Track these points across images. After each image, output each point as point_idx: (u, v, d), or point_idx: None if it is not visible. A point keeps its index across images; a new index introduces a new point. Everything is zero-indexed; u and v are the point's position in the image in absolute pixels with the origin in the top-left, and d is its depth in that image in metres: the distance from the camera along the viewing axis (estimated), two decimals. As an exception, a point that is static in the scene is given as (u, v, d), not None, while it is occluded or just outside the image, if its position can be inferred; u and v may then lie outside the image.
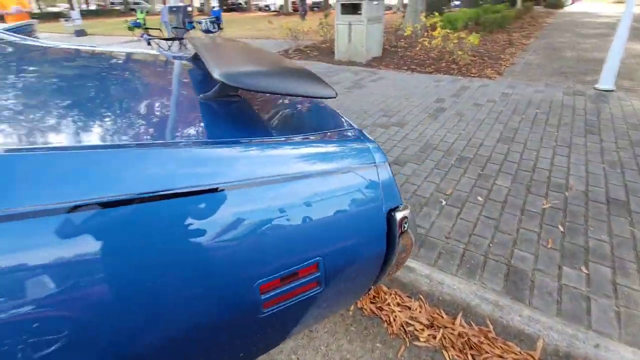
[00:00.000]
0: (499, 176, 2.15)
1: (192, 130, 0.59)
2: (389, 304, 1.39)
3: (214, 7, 14.47)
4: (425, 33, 6.73)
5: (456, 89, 4.07)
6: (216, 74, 0.57)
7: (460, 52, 5.24)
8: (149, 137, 0.55)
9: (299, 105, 0.80)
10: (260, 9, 28.50)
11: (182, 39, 6.19)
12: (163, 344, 0.46)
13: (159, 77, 0.96)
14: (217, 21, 8.65)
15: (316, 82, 0.62)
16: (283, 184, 0.52)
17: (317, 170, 0.56)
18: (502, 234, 1.65)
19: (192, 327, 0.48)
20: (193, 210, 0.45)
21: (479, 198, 1.93)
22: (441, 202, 1.91)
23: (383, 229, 0.63)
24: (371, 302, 1.41)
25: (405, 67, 5.29)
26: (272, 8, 26.54)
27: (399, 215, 0.63)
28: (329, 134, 0.65)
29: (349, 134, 0.66)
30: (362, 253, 0.63)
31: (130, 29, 11.00)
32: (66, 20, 13.95)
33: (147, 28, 8.10)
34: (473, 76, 4.66)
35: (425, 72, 4.98)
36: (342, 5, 5.67)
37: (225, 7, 30.17)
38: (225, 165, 0.49)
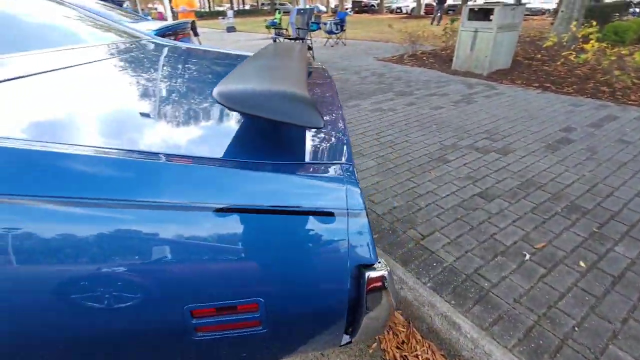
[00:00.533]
0: (622, 241, 1.64)
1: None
2: (416, 356, 1.22)
3: (343, 9, 15.07)
4: (574, 45, 5.57)
5: (598, 118, 3.26)
6: (214, 92, 0.57)
7: (618, 73, 4.16)
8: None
9: (293, 129, 0.71)
10: (391, 11, 28.34)
11: (304, 39, 6.62)
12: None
13: None
14: (341, 23, 8.96)
15: (307, 109, 0.56)
16: (226, 213, 0.49)
17: (270, 205, 0.51)
18: (600, 320, 1.25)
19: (122, 331, 0.50)
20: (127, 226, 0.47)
21: (582, 264, 1.51)
22: (524, 255, 1.56)
23: (344, 286, 0.54)
24: (397, 347, 1.26)
25: (537, 84, 4.50)
26: (404, 10, 26.04)
27: (370, 274, 0.53)
28: (306, 165, 0.58)
29: (332, 170, 0.58)
30: (318, 306, 0.55)
31: (267, 27, 12.41)
32: (222, 18, 16.58)
33: (280, 28, 8.95)
34: (631, 104, 3.65)
35: (561, 93, 4.14)
36: (471, 10, 5.15)
37: (357, 9, 31.07)
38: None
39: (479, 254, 1.58)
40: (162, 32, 3.68)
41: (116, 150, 0.52)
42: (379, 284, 0.54)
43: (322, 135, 0.72)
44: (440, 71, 5.52)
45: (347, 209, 0.52)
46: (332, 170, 0.57)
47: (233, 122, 0.72)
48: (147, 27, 3.60)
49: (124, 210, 0.47)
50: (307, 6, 7.08)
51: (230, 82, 0.61)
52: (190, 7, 7.66)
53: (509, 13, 4.93)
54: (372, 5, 30.30)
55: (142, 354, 0.54)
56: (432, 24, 14.56)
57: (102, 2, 4.44)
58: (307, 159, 0.61)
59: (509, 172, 2.30)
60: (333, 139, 0.71)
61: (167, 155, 0.54)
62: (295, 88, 0.59)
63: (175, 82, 0.96)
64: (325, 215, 0.52)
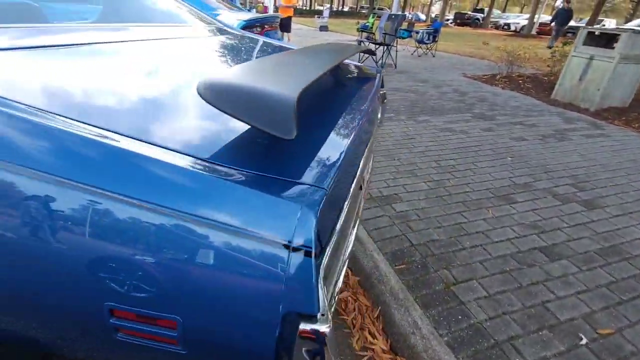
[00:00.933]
0: None
1: None
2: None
3: (442, 19, 14.30)
4: None
5: None
6: (198, 83, 0.52)
7: None
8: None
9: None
10: (497, 27, 26.14)
11: (389, 45, 6.44)
12: None
13: None
14: (434, 33, 8.52)
15: (280, 113, 0.48)
16: (156, 214, 0.44)
17: (195, 214, 0.44)
18: None
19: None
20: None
21: (661, 371, 1.16)
22: (580, 338, 1.26)
23: (271, 331, 0.45)
24: (389, 400, 1.11)
25: (659, 132, 3.69)
26: (513, 27, 23.79)
27: (304, 326, 0.43)
28: (259, 178, 0.49)
29: (291, 191, 0.48)
30: (241, 345, 0.47)
31: (358, 30, 12.42)
32: (318, 17, 17.13)
33: (370, 32, 8.88)
34: None
35: (693, 147, 3.32)
36: (589, 33, 4.43)
37: (459, 21, 29.35)
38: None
39: (520, 320, 1.32)
40: (250, 23, 3.89)
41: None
42: (314, 341, 0.44)
43: (300, 148, 0.61)
44: (535, 98, 4.88)
45: (290, 242, 0.43)
46: (292, 191, 0.48)
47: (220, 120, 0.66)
48: (238, 17, 3.83)
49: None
50: (405, 13, 6.86)
51: (221, 74, 0.56)
52: (289, 2, 8.03)
53: (639, 42, 4.12)
54: (477, 19, 28.34)
55: (67, 340, 0.53)
56: (549, 46, 12.94)
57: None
58: (270, 171, 0.52)
59: (590, 230, 1.90)
60: (318, 155, 0.60)
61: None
62: (282, 88, 0.52)
63: (203, 69, 0.96)
64: (261, 242, 0.44)
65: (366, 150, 0.95)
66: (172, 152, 0.50)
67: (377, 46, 6.52)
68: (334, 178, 0.54)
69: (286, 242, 0.43)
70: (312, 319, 0.44)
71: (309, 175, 0.52)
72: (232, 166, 0.50)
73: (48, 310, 0.52)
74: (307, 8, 47.64)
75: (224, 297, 0.45)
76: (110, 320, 0.47)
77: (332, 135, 0.71)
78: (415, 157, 2.69)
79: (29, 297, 0.51)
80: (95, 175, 0.45)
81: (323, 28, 16.33)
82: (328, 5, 36.23)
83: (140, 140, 0.50)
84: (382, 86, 1.77)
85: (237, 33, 1.79)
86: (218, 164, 0.50)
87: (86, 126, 0.50)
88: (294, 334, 0.44)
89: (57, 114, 0.50)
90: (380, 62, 6.42)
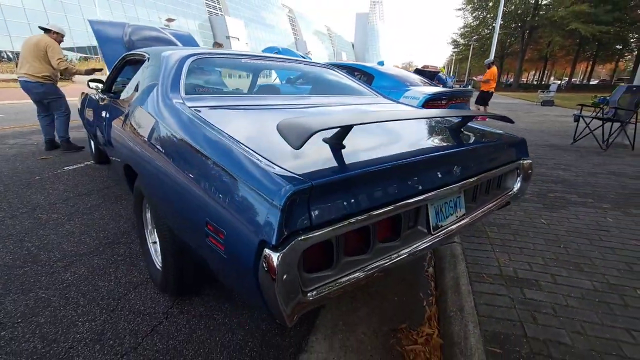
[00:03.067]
0: None
1: None
2: None
3: None
4: None
5: None
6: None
7: None
8: None
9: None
10: None
11: (623, 122, 5.12)
12: None
13: None
14: None
15: (298, 133, 0.80)
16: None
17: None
18: None
19: None
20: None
21: None
22: None
23: (254, 246, 0.75)
24: None
25: None
26: None
27: (268, 252, 0.71)
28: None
29: (285, 179, 0.78)
30: (243, 253, 0.80)
31: (595, 105, 10.31)
32: (542, 91, 15.40)
33: (597, 106, 7.33)
34: None
35: None
36: None
37: None
38: None
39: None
40: (436, 97, 4.27)
41: None
42: (268, 264, 0.71)
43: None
44: None
45: (273, 199, 0.75)
46: (282, 180, 0.79)
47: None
48: (424, 92, 4.31)
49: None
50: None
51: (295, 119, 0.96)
52: (488, 77, 7.98)
53: None
54: None
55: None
56: None
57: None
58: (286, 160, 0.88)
59: None
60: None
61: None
62: (316, 122, 0.86)
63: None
64: (258, 195, 0.78)
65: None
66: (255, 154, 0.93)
67: (606, 123, 5.34)
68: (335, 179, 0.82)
69: (270, 200, 0.75)
70: (273, 248, 0.72)
71: (312, 169, 0.84)
72: (270, 160, 0.88)
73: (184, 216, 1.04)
74: (537, 82, 43.51)
75: (237, 220, 0.81)
76: (205, 228, 0.92)
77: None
78: (594, 251, 2.12)
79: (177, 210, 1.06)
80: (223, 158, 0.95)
81: (546, 103, 14.56)
82: (558, 81, 31.93)
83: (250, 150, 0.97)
84: (526, 154, 1.70)
85: (389, 100, 2.22)
86: (264, 158, 0.89)
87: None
88: (260, 255, 0.73)
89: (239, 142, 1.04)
90: (608, 140, 5.19)
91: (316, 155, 1.00)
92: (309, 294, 0.84)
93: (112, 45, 3.82)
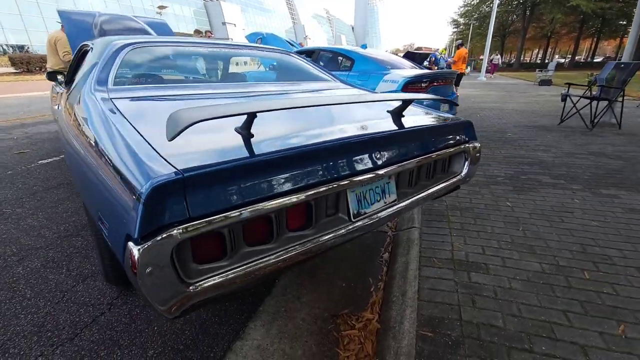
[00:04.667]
0: None
1: None
2: None
3: None
4: None
5: None
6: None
7: None
8: None
9: None
10: None
11: (610, 100, 5.02)
12: None
13: None
14: None
15: (175, 124, 0.78)
16: None
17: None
18: None
19: None
20: None
21: None
22: None
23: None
24: None
25: None
26: None
27: (130, 246, 0.71)
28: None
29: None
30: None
31: (590, 84, 10.11)
32: (540, 70, 15.03)
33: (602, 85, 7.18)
34: None
35: None
36: None
37: None
38: None
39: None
40: (415, 80, 4.19)
41: None
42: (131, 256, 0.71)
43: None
44: None
45: (141, 195, 0.74)
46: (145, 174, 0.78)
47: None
48: (403, 75, 4.23)
49: None
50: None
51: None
52: (457, 58, 8.02)
53: None
54: None
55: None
56: None
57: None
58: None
59: None
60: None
61: None
62: (196, 112, 0.84)
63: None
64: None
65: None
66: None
67: (593, 101, 5.23)
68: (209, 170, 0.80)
69: (135, 193, 0.74)
70: (135, 241, 0.72)
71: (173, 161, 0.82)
72: (159, 153, 0.87)
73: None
74: (540, 61, 42.58)
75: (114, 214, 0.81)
76: (98, 223, 0.91)
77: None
78: (552, 234, 2.10)
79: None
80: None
81: (544, 82, 14.27)
82: (561, 59, 31.31)
83: None
84: (473, 137, 1.68)
85: (346, 86, 2.19)
86: (155, 151, 0.88)
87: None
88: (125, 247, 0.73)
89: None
90: (596, 120, 5.10)
91: (214, 146, 0.98)
92: (194, 286, 0.84)
93: (83, 37, 3.75)
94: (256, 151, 0.97)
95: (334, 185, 1.09)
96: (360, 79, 4.55)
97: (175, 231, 0.76)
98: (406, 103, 1.51)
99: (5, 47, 28.21)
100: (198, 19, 49.27)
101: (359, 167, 1.17)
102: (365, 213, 1.24)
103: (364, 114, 1.58)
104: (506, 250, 1.94)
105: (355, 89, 2.21)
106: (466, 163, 1.73)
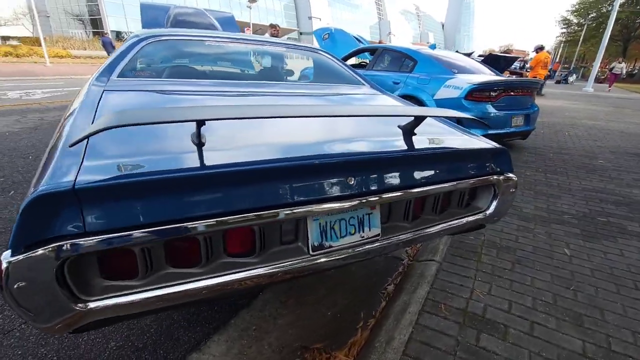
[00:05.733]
0: None
1: None
2: None
3: None
4: None
5: None
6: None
7: None
8: None
9: None
10: None
11: None
12: None
13: None
14: None
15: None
16: None
17: None
18: None
19: None
20: None
21: None
22: None
23: None
24: None
25: None
26: None
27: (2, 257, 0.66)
28: None
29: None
30: None
31: None
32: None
33: None
34: None
35: None
36: None
37: None
38: None
39: None
40: (484, 87, 3.68)
41: None
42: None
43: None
44: None
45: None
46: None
47: None
48: (469, 81, 3.76)
49: None
50: None
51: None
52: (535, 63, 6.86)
53: None
54: None
55: None
56: None
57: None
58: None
59: None
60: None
61: None
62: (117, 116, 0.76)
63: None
64: None
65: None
66: None
67: None
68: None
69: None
70: (9, 253, 0.66)
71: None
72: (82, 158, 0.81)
73: None
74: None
75: None
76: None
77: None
78: (616, 304, 1.61)
79: None
80: None
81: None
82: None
83: None
84: (508, 168, 1.37)
85: (375, 91, 1.97)
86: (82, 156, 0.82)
87: None
88: None
89: None
90: None
91: (152, 154, 0.90)
92: (92, 304, 0.77)
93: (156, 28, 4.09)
94: (196, 164, 0.86)
95: (287, 211, 0.93)
96: (419, 82, 4.17)
97: (63, 245, 0.70)
98: (419, 119, 1.25)
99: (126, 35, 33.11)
100: (287, 12, 51.39)
101: (325, 192, 0.99)
102: (330, 247, 1.05)
103: (361, 129, 1.36)
104: (541, 313, 1.54)
105: (384, 96, 1.97)
106: (494, 199, 1.40)
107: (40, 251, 0.68)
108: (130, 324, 1.45)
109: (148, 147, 0.96)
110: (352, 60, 5.88)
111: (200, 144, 0.92)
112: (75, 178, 0.72)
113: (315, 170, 0.97)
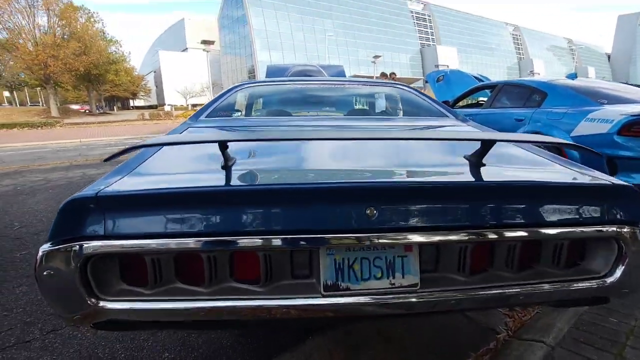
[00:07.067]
0: None
1: None
2: None
3: None
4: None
5: None
6: None
7: None
8: None
9: None
10: None
11: None
12: None
13: None
14: None
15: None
16: None
17: None
18: None
19: None
20: None
21: None
22: None
23: None
24: None
25: None
26: None
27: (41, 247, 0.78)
28: None
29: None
30: None
31: None
32: None
33: None
34: None
35: None
36: None
37: None
38: None
39: None
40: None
41: None
42: None
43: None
44: None
45: None
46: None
47: None
48: (623, 112, 2.94)
49: None
50: None
51: None
52: None
53: None
54: None
55: None
56: None
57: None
58: None
59: None
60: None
61: None
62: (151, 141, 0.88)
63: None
64: None
65: None
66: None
67: None
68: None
69: None
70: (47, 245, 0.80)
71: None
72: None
73: None
74: None
75: None
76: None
77: None
78: None
79: None
80: None
81: None
82: None
83: None
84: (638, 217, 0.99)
85: (461, 123, 1.74)
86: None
87: None
88: None
89: None
90: None
91: (179, 173, 0.99)
92: (104, 303, 0.85)
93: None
94: (210, 182, 0.90)
95: (299, 239, 0.85)
96: (549, 116, 3.46)
97: (84, 244, 0.81)
98: (487, 145, 1.01)
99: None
100: (412, 63, 52.76)
101: (339, 222, 0.87)
102: (347, 289, 0.89)
103: (398, 156, 1.18)
104: None
105: (467, 127, 1.68)
106: (619, 261, 0.95)
107: (65, 246, 0.80)
108: (185, 341, 1.54)
109: (173, 168, 1.06)
110: (467, 101, 5.43)
111: (226, 165, 0.96)
112: (103, 188, 0.84)
113: (328, 195, 0.87)
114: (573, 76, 4.08)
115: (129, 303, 0.87)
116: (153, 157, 1.11)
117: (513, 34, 79.82)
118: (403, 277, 0.90)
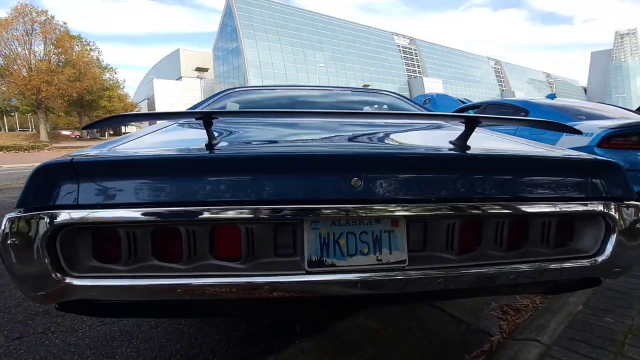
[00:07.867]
0: None
1: None
2: None
3: None
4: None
5: None
6: None
7: None
8: None
9: None
10: None
11: None
12: None
13: None
14: None
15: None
16: None
17: None
18: None
19: None
20: None
21: None
22: None
23: None
24: None
25: None
26: None
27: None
28: None
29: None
30: None
31: None
32: None
33: None
34: None
35: None
36: None
37: None
38: None
39: None
40: (621, 132, 2.92)
41: None
42: None
43: None
44: None
45: None
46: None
47: None
48: (601, 126, 3.06)
49: None
50: None
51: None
52: None
53: None
54: None
55: None
56: None
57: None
58: None
59: None
60: None
61: None
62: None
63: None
64: None
65: None
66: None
67: None
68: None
69: None
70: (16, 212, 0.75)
71: None
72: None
73: None
74: None
75: None
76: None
77: None
78: None
79: None
80: None
81: None
82: None
83: None
84: (625, 193, 0.98)
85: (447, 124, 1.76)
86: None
87: None
88: None
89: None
90: None
91: (162, 145, 0.97)
92: (71, 279, 0.79)
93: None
94: (195, 152, 0.88)
95: (281, 209, 0.82)
96: (531, 133, 3.56)
97: (55, 212, 0.76)
98: (471, 122, 1.00)
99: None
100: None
101: (321, 192, 0.84)
102: (332, 265, 0.85)
103: (400, 135, 1.18)
104: None
105: (451, 126, 1.71)
106: (608, 238, 0.94)
107: (34, 214, 0.75)
108: (162, 347, 1.44)
109: (154, 145, 1.04)
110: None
111: (209, 143, 0.94)
112: (78, 155, 0.81)
113: (312, 163, 0.85)
114: (552, 96, 4.28)
115: (99, 280, 0.81)
116: (135, 140, 1.09)
117: (495, 68, 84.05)
118: (390, 252, 0.87)
